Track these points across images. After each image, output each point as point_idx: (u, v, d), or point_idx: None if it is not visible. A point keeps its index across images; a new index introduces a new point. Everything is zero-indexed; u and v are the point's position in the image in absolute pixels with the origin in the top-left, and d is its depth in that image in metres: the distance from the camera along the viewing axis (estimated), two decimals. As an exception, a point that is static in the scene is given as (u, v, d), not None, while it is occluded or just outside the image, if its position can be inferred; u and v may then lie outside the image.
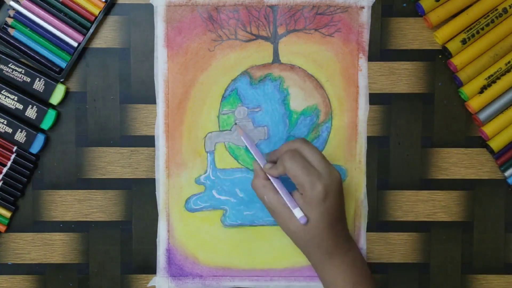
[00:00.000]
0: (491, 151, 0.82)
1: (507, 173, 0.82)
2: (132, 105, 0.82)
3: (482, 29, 0.80)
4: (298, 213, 0.73)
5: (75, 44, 0.80)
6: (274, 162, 0.77)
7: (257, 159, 0.78)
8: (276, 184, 0.75)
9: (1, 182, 0.81)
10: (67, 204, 0.82)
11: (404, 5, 0.81)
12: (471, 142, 0.82)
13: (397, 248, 0.83)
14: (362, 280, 0.75)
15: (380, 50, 0.82)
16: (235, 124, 0.81)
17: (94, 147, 0.82)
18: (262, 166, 0.77)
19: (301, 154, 0.74)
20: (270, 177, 0.76)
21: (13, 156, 0.81)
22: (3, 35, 0.79)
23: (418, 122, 0.82)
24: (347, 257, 0.75)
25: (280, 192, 0.75)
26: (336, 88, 0.82)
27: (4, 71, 0.80)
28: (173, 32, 0.81)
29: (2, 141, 0.81)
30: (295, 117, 0.82)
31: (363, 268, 0.76)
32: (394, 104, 0.82)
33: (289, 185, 0.75)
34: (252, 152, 0.79)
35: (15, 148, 0.81)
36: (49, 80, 0.80)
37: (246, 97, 0.82)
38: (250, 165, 0.82)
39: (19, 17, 0.79)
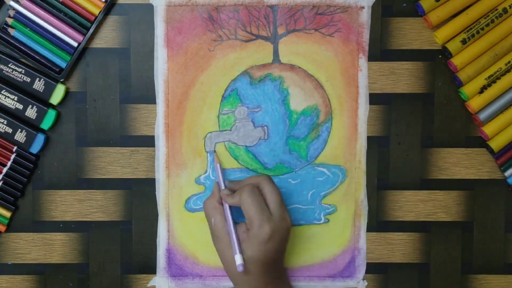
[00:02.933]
0: (491, 151, 0.82)
1: (507, 173, 0.82)
2: (132, 105, 0.82)
3: (482, 29, 0.80)
4: (238, 259, 0.73)
5: (75, 44, 0.80)
6: (234, 191, 0.77)
7: (219, 181, 0.79)
8: (227, 214, 0.76)
9: (1, 182, 0.81)
10: (67, 204, 0.82)
11: (404, 5, 0.81)
12: (471, 142, 0.82)
13: (397, 248, 0.83)
14: None
15: (380, 50, 0.82)
16: (214, 151, 0.81)
17: (94, 147, 0.82)
18: (221, 189, 0.78)
19: (261, 191, 0.75)
20: (224, 204, 0.76)
21: (13, 156, 0.81)
22: (3, 35, 0.79)
23: (418, 122, 0.82)
24: None
25: (227, 222, 0.75)
26: (336, 88, 0.82)
27: (4, 71, 0.80)
28: (173, 32, 0.81)
29: (2, 141, 0.81)
30: (295, 117, 0.82)
31: None
32: (394, 104, 0.82)
33: (240, 215, 0.76)
34: (216, 174, 0.79)
35: (15, 148, 0.81)
36: (49, 80, 0.80)
37: (246, 97, 0.82)
38: (250, 165, 0.82)
39: (19, 17, 0.79)
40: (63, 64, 0.80)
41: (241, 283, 0.75)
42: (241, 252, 0.73)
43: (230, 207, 0.76)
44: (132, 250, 0.83)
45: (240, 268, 0.73)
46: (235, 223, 0.75)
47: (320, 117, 0.82)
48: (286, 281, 0.78)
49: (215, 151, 0.81)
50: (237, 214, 0.76)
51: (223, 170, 0.81)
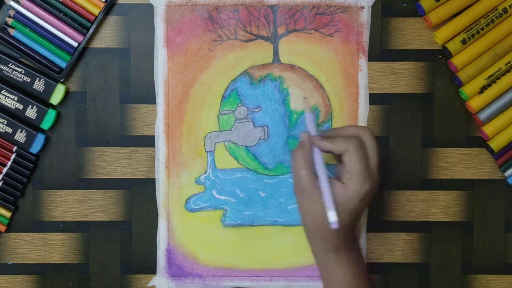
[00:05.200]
0: (491, 151, 0.82)
1: (507, 173, 0.82)
2: (132, 105, 0.82)
3: (482, 29, 0.80)
4: (333, 216, 0.69)
5: (75, 44, 0.80)
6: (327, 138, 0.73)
7: (310, 129, 0.73)
8: (321, 168, 0.71)
9: (1, 182, 0.81)
10: (67, 204, 0.82)
11: (404, 5, 0.81)
12: (471, 142, 0.82)
13: (397, 248, 0.83)
14: (361, 277, 0.74)
15: (380, 50, 0.82)
16: (304, 98, 0.79)
17: (94, 147, 0.82)
18: (313, 135, 0.73)
19: (364, 145, 0.71)
20: (318, 158, 0.72)
21: (13, 156, 0.81)
22: (3, 35, 0.79)
23: (418, 122, 0.82)
24: (351, 254, 0.74)
25: (321, 176, 0.71)
26: (336, 88, 0.82)
27: (4, 71, 0.80)
28: (173, 32, 0.81)
29: (2, 141, 0.81)
30: (295, 117, 0.82)
31: (362, 267, 0.76)
32: (394, 104, 0.82)
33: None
34: (307, 125, 0.74)
35: (15, 148, 0.81)
36: (49, 80, 0.80)
37: (246, 97, 0.82)
38: (250, 165, 0.82)
39: (19, 17, 0.79)
40: (63, 64, 0.80)
41: (322, 241, 0.72)
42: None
43: (323, 161, 0.72)
44: (132, 250, 0.83)
45: (335, 226, 0.69)
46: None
47: (320, 117, 0.82)
48: (358, 246, 0.76)
49: (306, 97, 0.79)
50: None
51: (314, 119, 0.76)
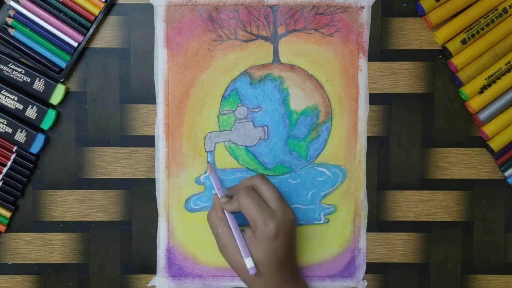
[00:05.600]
0: (491, 151, 0.82)
1: (507, 173, 0.82)
2: (132, 105, 0.82)
3: (482, 29, 0.80)
4: (249, 263, 0.73)
5: (75, 44, 0.80)
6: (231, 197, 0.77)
7: (217, 191, 0.78)
8: (231, 221, 0.75)
9: (1, 182, 0.81)
10: (67, 204, 0.82)
11: (404, 5, 0.81)
12: (471, 142, 0.82)
13: (397, 248, 0.83)
14: None
15: (380, 50, 0.82)
16: (208, 162, 0.81)
17: (94, 147, 0.82)
18: (219, 197, 0.77)
19: (257, 191, 0.75)
20: (226, 213, 0.76)
21: (13, 156, 0.81)
22: (3, 35, 0.79)
23: (418, 122, 0.82)
24: None
25: (233, 231, 0.75)
26: (336, 88, 0.82)
27: (4, 71, 0.80)
28: (173, 32, 0.81)
29: (2, 141, 0.81)
30: (295, 117, 0.82)
31: None
32: (394, 104, 0.82)
33: (244, 221, 0.76)
34: (214, 185, 0.79)
35: (15, 148, 0.81)
36: (49, 80, 0.80)
37: (246, 97, 0.82)
38: (250, 165, 0.82)
39: (19, 17, 0.79)
40: (63, 64, 0.80)
41: (257, 287, 0.75)
42: (251, 255, 0.73)
43: (234, 214, 0.76)
44: (132, 250, 0.83)
45: (253, 271, 0.72)
46: (241, 229, 0.75)
47: (320, 117, 0.82)
48: (301, 279, 0.78)
49: (208, 161, 0.81)
50: (243, 220, 0.76)
51: (220, 182, 0.80)
